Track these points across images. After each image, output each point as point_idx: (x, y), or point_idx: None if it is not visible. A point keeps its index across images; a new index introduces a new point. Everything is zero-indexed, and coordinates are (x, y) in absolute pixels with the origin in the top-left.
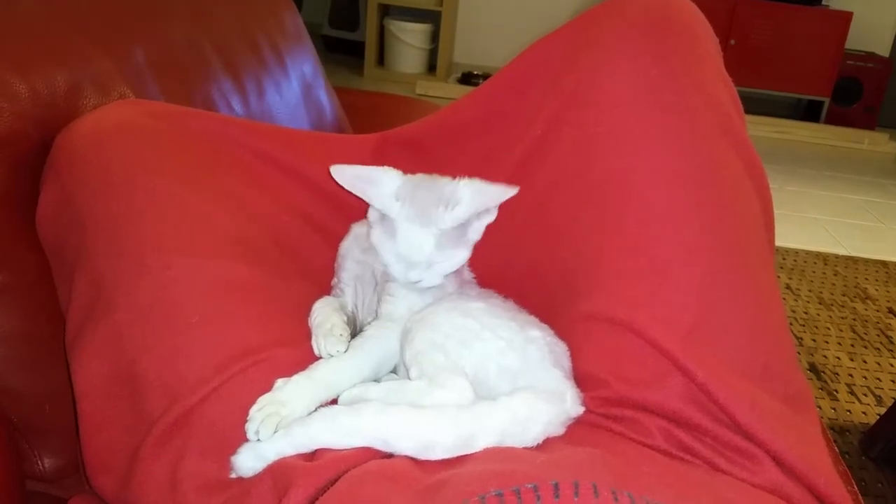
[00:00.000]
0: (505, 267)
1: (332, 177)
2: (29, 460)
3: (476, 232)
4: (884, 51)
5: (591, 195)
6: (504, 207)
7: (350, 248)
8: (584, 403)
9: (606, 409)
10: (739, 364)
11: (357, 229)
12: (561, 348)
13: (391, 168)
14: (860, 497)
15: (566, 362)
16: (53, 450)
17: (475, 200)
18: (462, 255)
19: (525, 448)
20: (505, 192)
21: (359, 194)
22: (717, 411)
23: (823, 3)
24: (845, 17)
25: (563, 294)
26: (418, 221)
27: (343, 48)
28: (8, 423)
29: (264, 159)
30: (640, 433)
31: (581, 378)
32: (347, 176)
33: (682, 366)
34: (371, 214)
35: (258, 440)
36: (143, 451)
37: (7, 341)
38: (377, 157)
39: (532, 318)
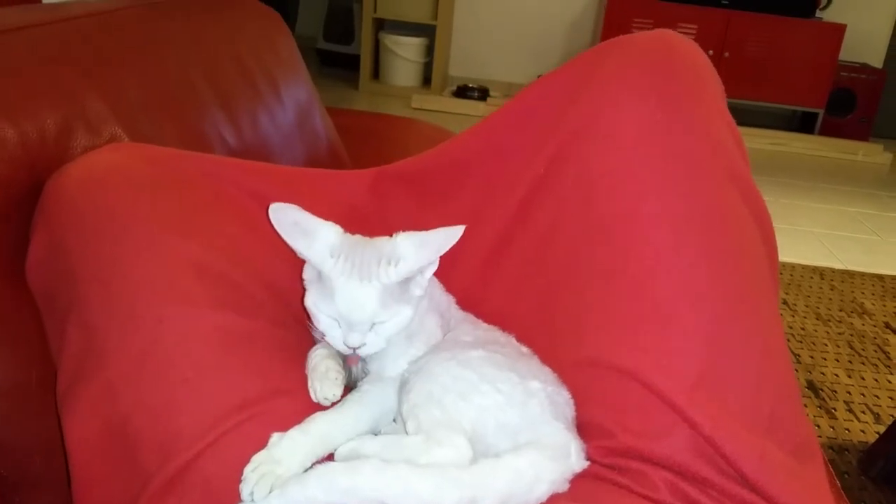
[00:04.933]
0: (507, 308)
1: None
2: None
3: (419, 287)
4: (877, 62)
5: (593, 237)
6: (505, 248)
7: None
8: (588, 453)
9: (611, 460)
10: (746, 415)
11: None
12: (563, 398)
13: (332, 224)
14: None
15: (569, 412)
16: (45, 503)
17: (420, 253)
18: (407, 313)
19: None
20: (448, 236)
21: (290, 243)
22: (724, 464)
23: (817, 15)
24: (839, 29)
25: (566, 337)
26: (357, 276)
27: (338, 62)
28: None
29: (260, 201)
30: (645, 486)
31: (585, 426)
32: (286, 219)
33: (688, 418)
34: (307, 274)
35: (252, 501)
36: None
37: None
38: (374, 194)
39: (533, 364)
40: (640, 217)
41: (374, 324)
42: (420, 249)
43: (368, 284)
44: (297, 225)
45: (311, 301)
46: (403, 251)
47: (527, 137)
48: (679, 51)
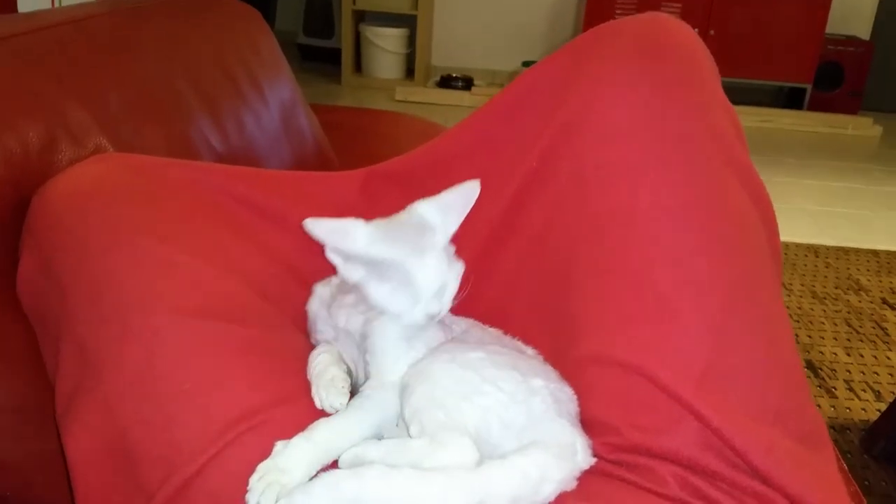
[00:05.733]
0: (504, 305)
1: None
2: None
3: (449, 248)
4: (864, 34)
5: (590, 230)
6: (500, 244)
7: (318, 311)
8: (595, 450)
9: (618, 457)
10: (754, 405)
11: (321, 290)
12: (566, 394)
13: (354, 219)
14: (862, 497)
15: (573, 408)
16: None
17: (448, 217)
18: (461, 269)
19: None
20: (467, 194)
21: (339, 247)
22: (733, 456)
23: None
24: (824, 2)
25: (566, 335)
26: (419, 253)
27: (319, 56)
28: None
29: (249, 207)
30: (654, 482)
31: (590, 424)
32: (326, 227)
33: (695, 411)
34: (353, 274)
35: None
36: None
37: None
38: (365, 194)
39: (534, 363)
40: (637, 209)
41: (445, 287)
42: (447, 214)
43: (432, 253)
44: (336, 231)
45: (383, 290)
46: (431, 218)
47: (517, 131)
48: (670, 33)
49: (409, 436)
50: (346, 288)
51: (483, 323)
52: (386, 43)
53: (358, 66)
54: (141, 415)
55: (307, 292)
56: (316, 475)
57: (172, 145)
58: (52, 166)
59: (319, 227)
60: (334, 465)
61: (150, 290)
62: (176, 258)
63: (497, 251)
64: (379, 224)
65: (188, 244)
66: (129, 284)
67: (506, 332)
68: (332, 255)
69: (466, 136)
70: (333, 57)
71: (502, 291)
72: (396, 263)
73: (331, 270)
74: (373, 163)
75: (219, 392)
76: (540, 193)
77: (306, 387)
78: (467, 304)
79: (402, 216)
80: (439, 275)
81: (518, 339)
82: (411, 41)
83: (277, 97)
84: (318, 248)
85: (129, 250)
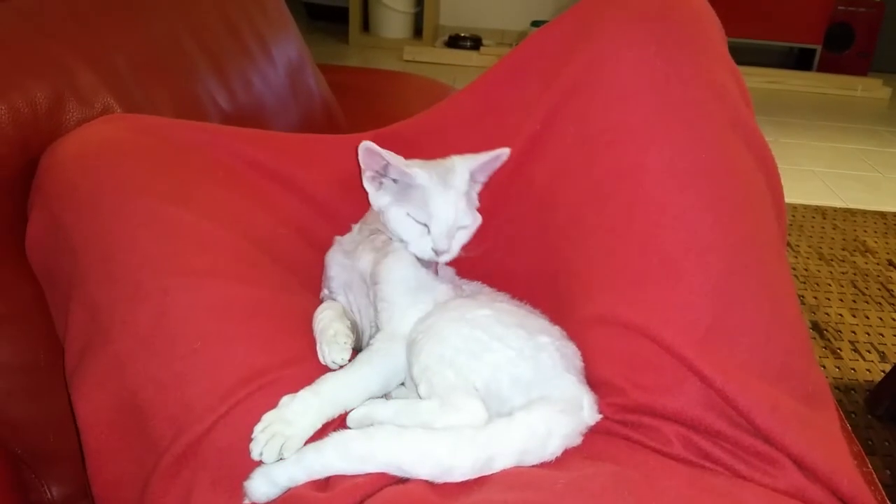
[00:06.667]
0: (509, 268)
1: (355, 154)
2: (37, 490)
3: (474, 200)
4: None
5: (595, 193)
6: (504, 206)
7: (334, 255)
8: (601, 410)
9: (623, 416)
10: (757, 365)
11: (340, 238)
12: (571, 349)
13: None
14: (864, 456)
15: (578, 362)
16: (60, 478)
17: (478, 171)
18: (478, 219)
19: (543, 465)
20: (497, 158)
21: (379, 166)
22: (736, 416)
23: None
24: None
25: (571, 295)
26: (443, 185)
27: (326, 15)
28: (11, 455)
29: (257, 169)
30: (658, 441)
31: (596, 384)
32: (378, 149)
33: (698, 371)
34: (381, 200)
35: (264, 461)
36: (152, 485)
37: (5, 373)
38: None
39: (540, 321)
40: (642, 171)
41: (457, 228)
42: (477, 171)
43: (453, 190)
44: (385, 154)
45: (401, 213)
46: (459, 166)
47: (523, 93)
48: None
49: (418, 394)
50: (366, 232)
51: (488, 284)
52: (394, 2)
53: (366, 26)
54: (151, 373)
55: (315, 253)
56: (322, 430)
57: (180, 105)
58: (60, 126)
59: (376, 147)
60: (341, 420)
61: (161, 250)
62: (185, 219)
63: (502, 213)
64: (416, 160)
65: (197, 204)
66: (140, 245)
67: (512, 296)
68: (367, 182)
69: (472, 101)
70: (341, 16)
71: (507, 253)
72: (422, 187)
73: (337, 233)
74: (381, 124)
75: (229, 352)
76: (545, 155)
77: (314, 347)
78: (473, 263)
79: (439, 160)
80: (454, 210)
81: (525, 302)
82: (419, 0)
83: (284, 56)
84: (325, 210)
85: (139, 210)
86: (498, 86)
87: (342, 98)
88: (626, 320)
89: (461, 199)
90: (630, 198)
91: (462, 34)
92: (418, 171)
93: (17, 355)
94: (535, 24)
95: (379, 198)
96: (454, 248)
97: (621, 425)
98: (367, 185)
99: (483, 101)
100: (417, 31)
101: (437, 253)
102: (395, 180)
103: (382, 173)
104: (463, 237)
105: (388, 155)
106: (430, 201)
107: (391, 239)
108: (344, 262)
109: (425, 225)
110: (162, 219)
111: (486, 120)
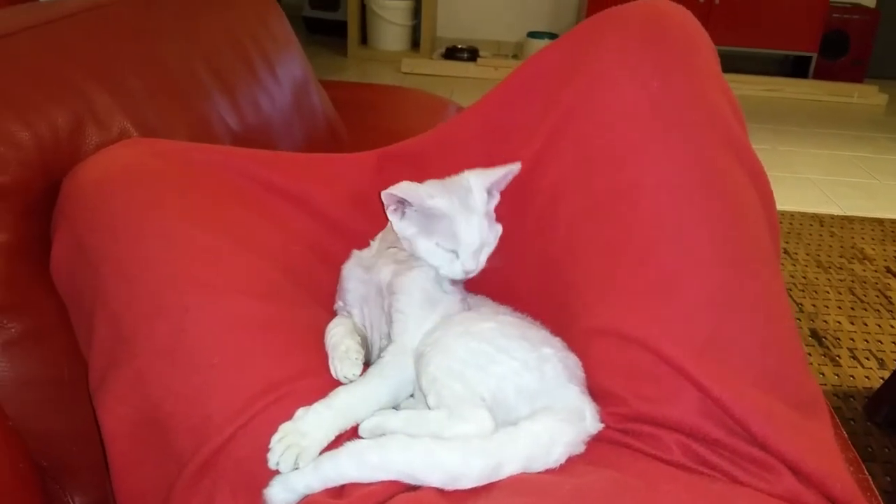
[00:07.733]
0: (511, 283)
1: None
2: (60, 501)
3: (492, 214)
4: (870, 1)
5: (595, 210)
6: (507, 221)
7: (352, 268)
8: (603, 420)
9: (624, 425)
10: (752, 374)
11: (357, 251)
12: (573, 360)
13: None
14: (860, 463)
15: (580, 373)
16: (84, 489)
17: (493, 186)
18: (499, 232)
19: (549, 471)
20: (508, 173)
21: (403, 199)
22: (733, 424)
23: None
24: None
25: (571, 308)
26: (465, 211)
27: (325, 29)
28: (37, 467)
29: (269, 188)
30: (658, 449)
31: (597, 393)
32: (399, 190)
33: (696, 381)
34: (407, 230)
35: (281, 471)
36: (175, 494)
37: (31, 386)
38: (379, 175)
39: (542, 333)
40: (640, 190)
41: (483, 246)
42: (492, 186)
43: (476, 214)
44: (407, 190)
45: (430, 244)
46: (475, 185)
47: (525, 114)
48: (670, 20)
49: (427, 405)
50: (385, 247)
51: (490, 297)
52: (391, 15)
53: (364, 39)
54: (172, 388)
55: (326, 269)
56: (336, 440)
57: (193, 127)
58: (79, 150)
59: (397, 189)
60: (354, 431)
61: (181, 269)
62: (202, 238)
63: (505, 228)
64: (433, 183)
65: (214, 225)
66: (161, 264)
67: (514, 309)
68: (391, 214)
69: (475, 121)
70: (339, 30)
71: (509, 268)
72: (448, 217)
73: (348, 249)
74: (382, 138)
75: (246, 365)
76: (546, 173)
77: (326, 360)
78: (476, 280)
79: (454, 179)
80: (481, 233)
81: (526, 315)
82: (417, 13)
83: (289, 75)
84: (336, 227)
85: (158, 231)
86: (500, 107)
87: (344, 114)
88: (625, 332)
89: (484, 220)
90: (628, 214)
91: (459, 46)
92: (439, 200)
93: (43, 370)
94: (531, 35)
95: (404, 228)
96: (482, 264)
97: (622, 434)
98: (391, 216)
99: (487, 121)
100: (415, 44)
101: (466, 273)
102: (416, 210)
103: (404, 203)
104: (488, 251)
105: (411, 195)
106: (456, 230)
107: (413, 256)
108: (362, 276)
109: (454, 251)
110: (180, 239)
111: (490, 139)
